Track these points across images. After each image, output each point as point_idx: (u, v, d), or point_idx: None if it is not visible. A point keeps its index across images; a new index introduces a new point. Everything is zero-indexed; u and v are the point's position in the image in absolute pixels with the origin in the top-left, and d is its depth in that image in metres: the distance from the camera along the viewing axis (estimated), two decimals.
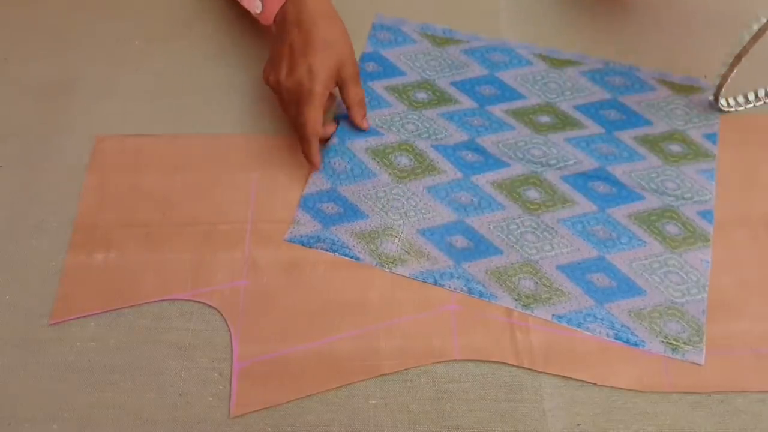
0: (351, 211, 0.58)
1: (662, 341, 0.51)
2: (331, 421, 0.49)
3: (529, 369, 0.51)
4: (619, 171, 0.59)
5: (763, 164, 0.60)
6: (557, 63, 0.67)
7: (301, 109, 0.56)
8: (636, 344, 0.51)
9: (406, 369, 0.51)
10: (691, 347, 0.51)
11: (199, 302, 0.54)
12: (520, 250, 0.55)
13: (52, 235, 0.58)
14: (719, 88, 0.61)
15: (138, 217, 0.58)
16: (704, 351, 0.51)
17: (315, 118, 0.56)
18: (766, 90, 0.62)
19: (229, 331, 0.53)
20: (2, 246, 0.57)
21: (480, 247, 0.55)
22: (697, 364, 0.51)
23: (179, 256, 0.56)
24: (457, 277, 0.54)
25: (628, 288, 0.54)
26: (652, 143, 0.61)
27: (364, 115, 0.62)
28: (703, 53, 0.67)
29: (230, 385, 0.51)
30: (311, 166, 0.59)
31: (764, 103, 0.62)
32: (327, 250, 0.56)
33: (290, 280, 0.55)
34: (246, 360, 0.52)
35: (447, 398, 0.50)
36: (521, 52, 0.68)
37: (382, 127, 0.62)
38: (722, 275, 0.54)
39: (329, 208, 0.58)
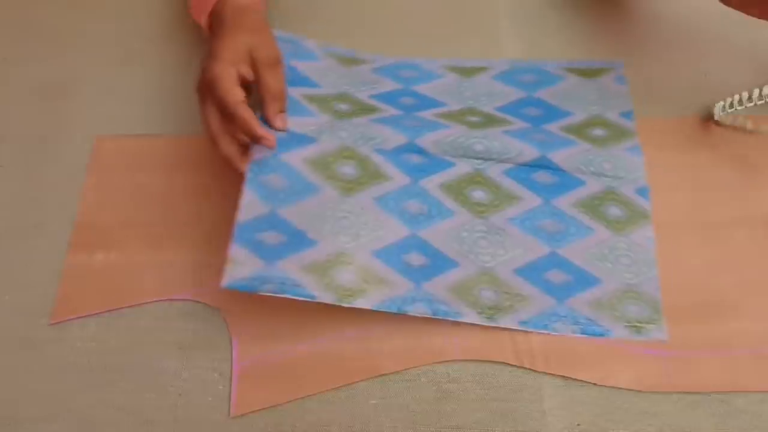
0: (297, 239, 0.51)
1: (626, 326, 0.51)
2: (331, 421, 0.49)
3: (529, 369, 0.51)
4: (558, 157, 0.58)
5: (763, 164, 0.60)
6: (466, 72, 0.66)
7: (214, 94, 0.51)
8: (602, 334, 0.51)
9: (406, 369, 0.51)
10: (654, 326, 0.51)
11: (199, 302, 0.54)
12: (475, 259, 0.54)
13: (52, 235, 0.58)
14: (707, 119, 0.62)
15: (138, 217, 0.58)
16: (665, 327, 0.51)
17: (231, 90, 0.50)
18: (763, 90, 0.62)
19: (229, 331, 0.53)
20: (2, 246, 0.57)
21: (436, 262, 0.54)
22: (661, 341, 0.51)
23: (179, 256, 0.56)
24: (420, 300, 0.52)
25: (584, 280, 0.53)
26: (578, 131, 0.61)
27: (280, 111, 0.55)
28: (704, 53, 0.67)
29: (230, 385, 0.51)
30: (264, 141, 0.52)
31: (766, 102, 0.62)
32: (275, 293, 0.49)
33: None
34: (246, 360, 0.52)
35: (447, 398, 0.50)
36: (428, 66, 0.67)
37: (311, 134, 0.56)
38: (722, 275, 0.54)
39: (271, 237, 0.51)
